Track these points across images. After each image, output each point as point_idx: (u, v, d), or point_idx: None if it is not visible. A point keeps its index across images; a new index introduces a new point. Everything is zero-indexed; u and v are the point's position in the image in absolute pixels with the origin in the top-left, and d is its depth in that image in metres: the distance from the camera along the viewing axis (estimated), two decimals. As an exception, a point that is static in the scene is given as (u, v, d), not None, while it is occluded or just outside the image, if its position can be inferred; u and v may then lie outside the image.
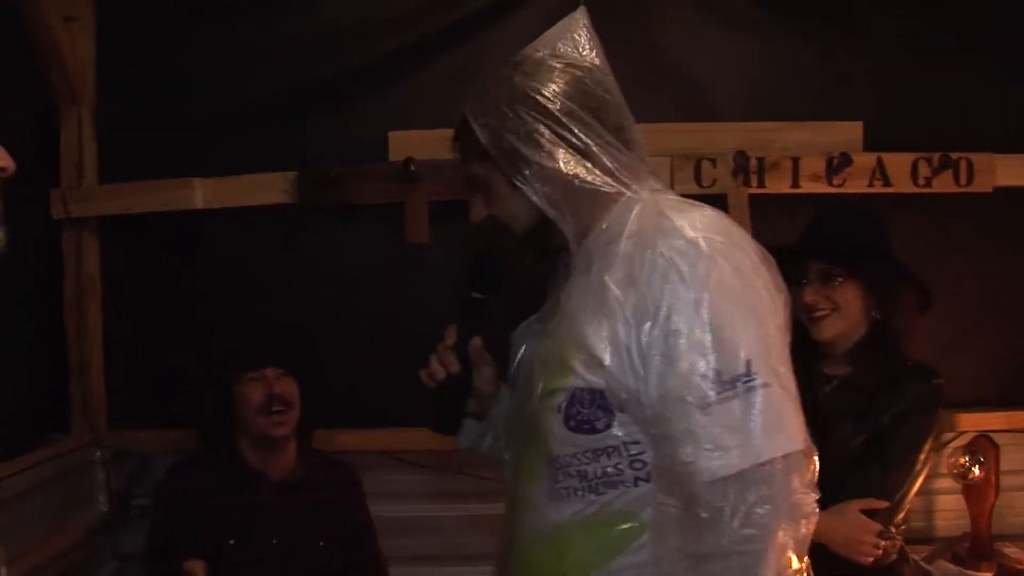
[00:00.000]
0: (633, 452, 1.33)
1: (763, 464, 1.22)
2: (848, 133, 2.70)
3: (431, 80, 2.78)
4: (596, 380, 1.31)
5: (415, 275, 2.76)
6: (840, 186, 2.64)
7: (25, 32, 2.62)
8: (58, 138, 2.83)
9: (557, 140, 1.35)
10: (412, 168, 2.63)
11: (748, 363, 1.23)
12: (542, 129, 1.35)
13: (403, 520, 2.72)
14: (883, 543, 2.00)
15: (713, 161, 2.64)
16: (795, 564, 1.27)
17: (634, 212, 1.35)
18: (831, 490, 1.82)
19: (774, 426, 1.23)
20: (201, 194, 2.73)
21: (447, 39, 2.77)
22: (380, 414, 2.70)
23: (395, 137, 2.71)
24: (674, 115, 2.74)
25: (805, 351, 1.96)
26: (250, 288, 2.83)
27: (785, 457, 1.24)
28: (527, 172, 1.37)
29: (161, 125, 2.83)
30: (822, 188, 2.65)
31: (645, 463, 1.33)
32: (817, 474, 1.31)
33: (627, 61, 2.70)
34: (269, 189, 2.73)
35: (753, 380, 1.23)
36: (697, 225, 1.30)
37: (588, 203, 1.39)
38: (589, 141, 1.36)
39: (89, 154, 2.83)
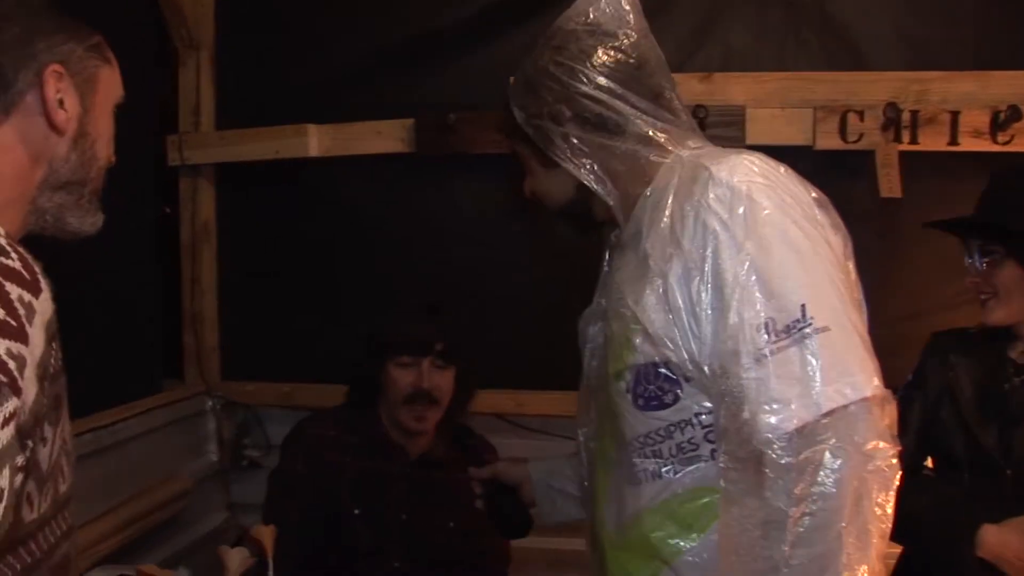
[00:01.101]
0: (707, 422, 1.27)
1: (827, 414, 1.13)
2: (1016, 84, 2.40)
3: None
4: (657, 352, 1.26)
5: (535, 229, 2.61)
6: (1006, 144, 2.37)
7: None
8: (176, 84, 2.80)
9: (588, 114, 1.32)
10: (535, 116, 2.47)
11: (802, 307, 1.15)
12: (572, 104, 1.33)
13: None
14: None
15: (860, 114, 2.41)
16: (878, 523, 1.15)
17: (676, 173, 1.30)
18: (1019, 501, 1.64)
19: (836, 372, 1.14)
20: (316, 141, 2.66)
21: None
22: (495, 374, 2.59)
23: (517, 83, 2.56)
24: (816, 62, 2.52)
25: (990, 334, 1.75)
26: (364, 240, 2.76)
27: (852, 405, 1.13)
28: (562, 148, 1.34)
29: (279, 72, 2.77)
30: (985, 146, 2.38)
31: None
32: (896, 423, 1.19)
33: (763, 3, 2.56)
34: (386, 137, 2.64)
35: (808, 325, 1.14)
36: (736, 169, 1.23)
37: (630, 173, 1.35)
38: (623, 111, 1.32)
39: (206, 100, 2.81)
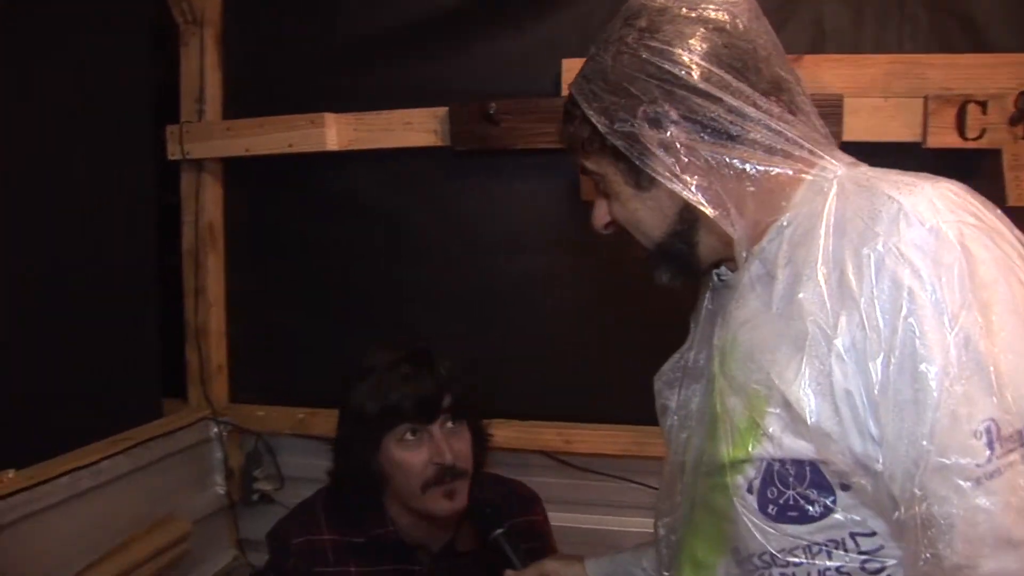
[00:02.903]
0: (865, 547, 0.95)
1: None
2: None
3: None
4: (802, 446, 0.94)
5: (587, 243, 2.24)
6: None
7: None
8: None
9: (700, 115, 1.01)
10: (589, 105, 2.10)
11: None
12: (678, 102, 1.01)
13: (565, 532, 2.22)
14: None
15: (983, 105, 2.00)
16: None
17: (830, 197, 0.97)
18: None
19: None
20: (335, 133, 2.30)
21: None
22: (543, 406, 2.24)
23: (571, 66, 2.17)
24: (928, 43, 2.11)
25: None
26: (390, 247, 2.41)
27: None
28: (664, 162, 1.02)
29: (294, 52, 2.42)
30: None
31: (884, 564, 0.95)
32: None
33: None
34: (416, 128, 2.27)
35: None
36: (936, 204, 0.90)
37: (758, 195, 1.03)
38: (743, 111, 1.00)
39: (212, 85, 2.46)
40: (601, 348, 2.25)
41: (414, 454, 1.65)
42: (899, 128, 2.05)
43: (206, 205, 2.48)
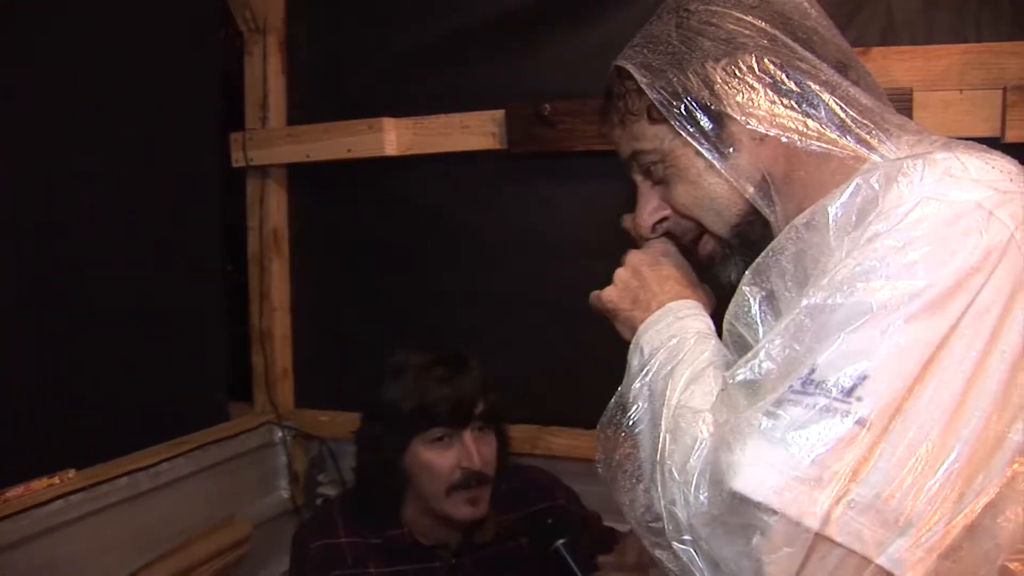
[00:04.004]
0: None
1: None
2: None
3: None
4: None
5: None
6: None
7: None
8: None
9: (763, 84, 0.95)
10: (649, 105, 2.04)
11: None
12: (740, 69, 0.95)
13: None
14: None
15: (1068, 95, 1.88)
16: None
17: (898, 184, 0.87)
18: None
19: None
20: (394, 138, 2.30)
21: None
22: (587, 413, 2.18)
23: (629, 67, 2.13)
24: (1006, 30, 1.97)
25: None
26: (450, 251, 2.39)
27: None
28: (729, 137, 0.96)
29: (356, 58, 2.42)
30: None
31: None
32: None
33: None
34: (474, 131, 2.25)
35: None
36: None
37: (812, 176, 0.96)
38: (809, 82, 0.94)
39: (275, 92, 2.48)
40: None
41: (443, 456, 1.64)
42: (975, 123, 1.93)
43: (270, 211, 2.51)
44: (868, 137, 0.94)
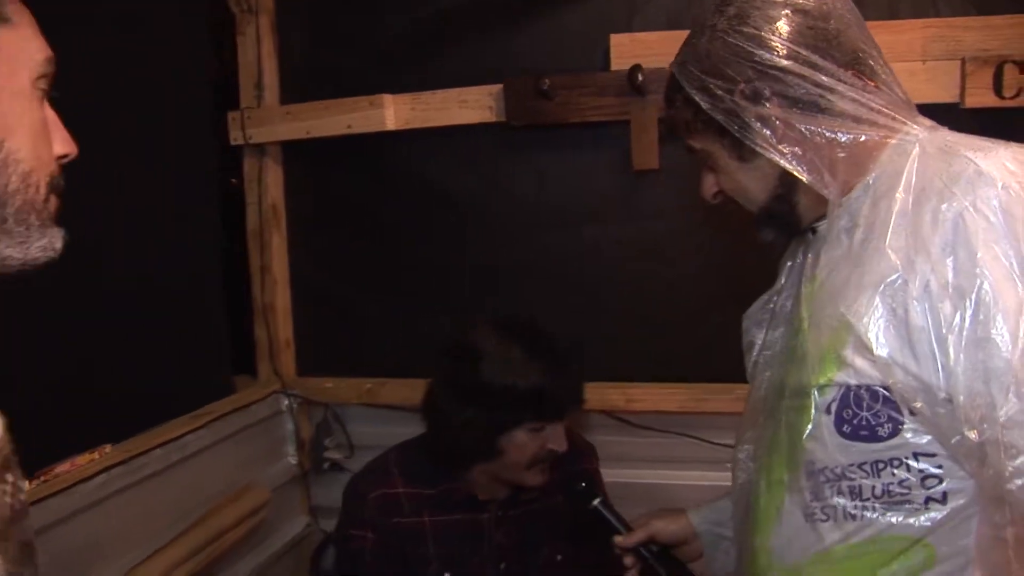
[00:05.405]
0: (925, 467, 1.07)
1: None
2: None
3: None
4: (876, 375, 1.05)
5: (642, 209, 2.35)
6: None
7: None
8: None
9: (789, 92, 1.12)
10: (640, 78, 2.19)
11: None
12: (771, 81, 1.12)
13: (626, 487, 2.29)
14: None
15: (1020, 64, 2.08)
16: None
17: (912, 158, 1.09)
18: None
19: None
20: (393, 113, 2.40)
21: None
22: (599, 368, 2.34)
23: (618, 41, 2.27)
24: (964, 5, 2.18)
25: None
26: (448, 222, 2.51)
27: None
28: (763, 134, 1.14)
29: (349, 36, 2.51)
30: None
31: (940, 479, 1.07)
32: None
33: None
34: (471, 106, 2.36)
35: None
36: (1009, 166, 1.02)
37: (848, 160, 1.14)
38: (830, 85, 1.11)
39: (269, 71, 2.55)
40: (657, 310, 2.35)
41: (536, 439, 1.75)
42: (936, 90, 2.13)
43: (268, 187, 2.58)
44: (885, 120, 1.12)
